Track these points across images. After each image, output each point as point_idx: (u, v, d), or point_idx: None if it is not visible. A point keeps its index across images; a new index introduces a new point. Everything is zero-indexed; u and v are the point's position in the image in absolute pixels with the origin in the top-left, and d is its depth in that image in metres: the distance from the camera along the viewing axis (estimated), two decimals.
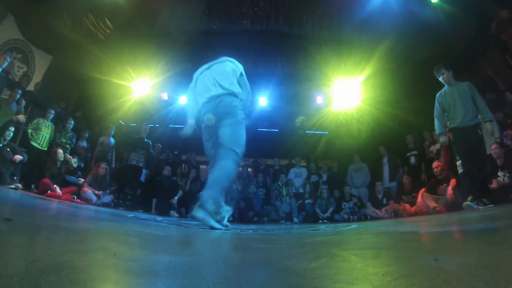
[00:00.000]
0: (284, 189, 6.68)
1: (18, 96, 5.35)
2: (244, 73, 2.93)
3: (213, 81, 2.77)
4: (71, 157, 5.82)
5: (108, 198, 5.60)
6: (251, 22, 5.84)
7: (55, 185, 4.93)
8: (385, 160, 6.87)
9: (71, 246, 0.96)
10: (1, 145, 4.66)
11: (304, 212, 6.29)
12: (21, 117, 5.23)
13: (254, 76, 6.53)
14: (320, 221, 5.90)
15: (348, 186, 6.60)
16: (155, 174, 6.70)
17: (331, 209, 6.22)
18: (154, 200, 6.16)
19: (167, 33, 6.21)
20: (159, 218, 4.04)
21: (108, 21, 5.81)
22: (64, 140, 6.00)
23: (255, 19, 5.78)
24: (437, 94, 3.78)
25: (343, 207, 6.15)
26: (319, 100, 7.93)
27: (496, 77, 5.68)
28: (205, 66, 2.99)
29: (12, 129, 4.90)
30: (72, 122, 6.21)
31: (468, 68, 5.92)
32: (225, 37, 6.06)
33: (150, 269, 0.78)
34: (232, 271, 0.84)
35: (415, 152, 6.39)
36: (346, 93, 7.40)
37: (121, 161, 7.01)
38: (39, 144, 5.57)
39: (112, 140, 6.84)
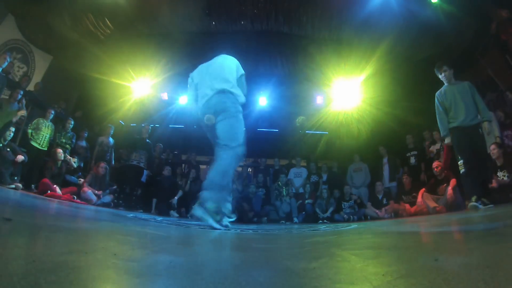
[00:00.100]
0: (284, 189, 6.68)
1: (19, 96, 5.36)
2: (241, 71, 2.91)
3: (209, 82, 2.78)
4: (71, 158, 5.82)
5: (108, 198, 5.60)
6: (251, 22, 5.84)
7: (55, 185, 4.93)
8: (385, 160, 6.87)
9: (71, 246, 0.96)
10: (1, 145, 4.66)
11: (304, 212, 6.29)
12: (22, 112, 5.19)
13: (254, 76, 6.55)
14: (320, 221, 5.90)
15: (348, 186, 6.61)
16: (156, 174, 6.71)
17: (331, 209, 6.22)
18: (154, 200, 6.17)
19: (167, 33, 6.21)
20: (159, 218, 4.04)
21: (108, 21, 5.81)
22: (64, 140, 6.00)
23: (255, 19, 5.78)
24: (437, 93, 3.72)
25: (343, 207, 6.15)
26: (319, 100, 7.93)
27: (496, 77, 5.68)
28: (202, 65, 2.99)
29: (13, 129, 4.90)
30: (72, 122, 6.21)
31: (468, 68, 5.92)
32: (225, 37, 6.06)
33: (150, 269, 0.78)
34: (232, 271, 0.84)
35: (415, 152, 6.39)
36: (346, 93, 7.40)
37: (119, 161, 7.01)
38: (39, 144, 5.57)
39: (111, 140, 6.85)
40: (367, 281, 0.68)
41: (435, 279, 0.64)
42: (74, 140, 6.23)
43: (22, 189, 4.57)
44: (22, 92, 5.44)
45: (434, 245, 1.40)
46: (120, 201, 5.71)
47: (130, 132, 7.87)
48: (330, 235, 2.24)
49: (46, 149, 5.67)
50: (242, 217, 5.98)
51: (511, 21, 4.92)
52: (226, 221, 2.60)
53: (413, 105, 6.37)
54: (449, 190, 4.58)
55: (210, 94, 2.69)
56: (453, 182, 4.58)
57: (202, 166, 7.73)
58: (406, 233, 2.12)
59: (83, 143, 6.55)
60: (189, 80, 3.01)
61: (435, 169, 5.01)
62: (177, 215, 5.85)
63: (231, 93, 2.70)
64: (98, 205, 5.22)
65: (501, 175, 4.20)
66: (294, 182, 7.07)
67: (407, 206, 5.41)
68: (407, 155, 6.50)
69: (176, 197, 6.20)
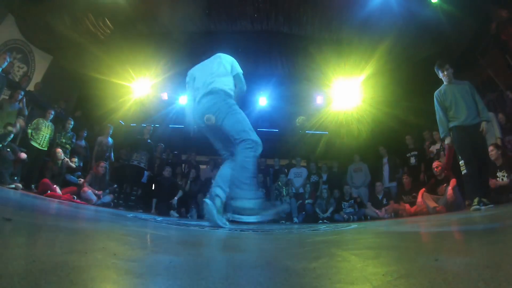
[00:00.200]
0: (284, 189, 6.68)
1: (20, 96, 5.36)
2: (236, 67, 2.89)
3: (200, 79, 2.79)
4: (70, 160, 5.82)
5: (108, 198, 5.61)
6: (251, 22, 5.85)
7: (55, 185, 4.93)
8: (385, 160, 6.87)
9: (71, 246, 0.96)
10: (0, 145, 4.66)
11: (304, 212, 6.29)
12: (21, 122, 5.21)
13: (254, 76, 6.55)
14: (320, 221, 5.90)
15: (348, 186, 6.61)
16: (157, 174, 6.70)
17: (331, 209, 6.22)
18: (154, 200, 6.17)
19: (167, 33, 6.22)
20: (159, 218, 4.04)
21: (108, 21, 5.82)
22: (64, 140, 6.00)
23: (255, 19, 5.79)
24: (435, 93, 3.68)
25: (343, 207, 6.15)
26: (319, 100, 7.94)
27: (496, 77, 5.68)
28: (197, 66, 2.99)
29: (12, 133, 4.88)
30: (72, 122, 6.21)
31: (468, 68, 5.92)
32: (225, 37, 6.06)
33: (150, 269, 0.78)
34: (232, 271, 0.84)
35: (415, 153, 6.39)
36: (346, 93, 7.41)
37: (118, 161, 7.01)
38: (39, 144, 5.57)
39: (110, 140, 6.84)
40: (367, 281, 0.68)
41: (435, 279, 0.64)
42: (74, 140, 6.23)
43: (22, 189, 4.57)
44: (23, 93, 5.45)
45: (434, 245, 1.40)
46: (120, 201, 5.71)
47: (131, 132, 7.87)
48: (330, 235, 2.24)
49: (46, 149, 5.68)
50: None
51: (511, 21, 4.92)
52: (245, 218, 2.55)
53: (413, 105, 6.37)
54: (449, 190, 4.58)
55: (201, 93, 2.69)
56: (453, 182, 4.58)
57: (202, 166, 7.73)
58: (406, 233, 2.12)
59: (82, 143, 6.55)
60: (187, 79, 3.03)
61: (435, 169, 5.00)
62: (177, 215, 5.85)
63: (217, 91, 2.67)
64: (98, 205, 5.23)
65: (501, 176, 4.19)
66: (294, 182, 7.07)
67: (407, 206, 5.41)
68: (407, 155, 6.50)
69: (176, 197, 6.20)
